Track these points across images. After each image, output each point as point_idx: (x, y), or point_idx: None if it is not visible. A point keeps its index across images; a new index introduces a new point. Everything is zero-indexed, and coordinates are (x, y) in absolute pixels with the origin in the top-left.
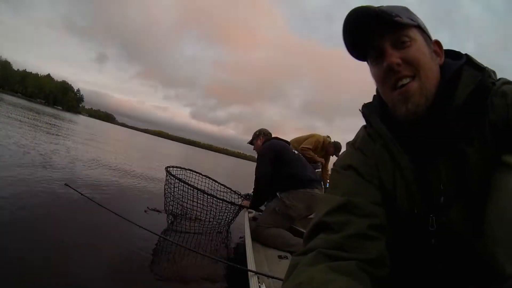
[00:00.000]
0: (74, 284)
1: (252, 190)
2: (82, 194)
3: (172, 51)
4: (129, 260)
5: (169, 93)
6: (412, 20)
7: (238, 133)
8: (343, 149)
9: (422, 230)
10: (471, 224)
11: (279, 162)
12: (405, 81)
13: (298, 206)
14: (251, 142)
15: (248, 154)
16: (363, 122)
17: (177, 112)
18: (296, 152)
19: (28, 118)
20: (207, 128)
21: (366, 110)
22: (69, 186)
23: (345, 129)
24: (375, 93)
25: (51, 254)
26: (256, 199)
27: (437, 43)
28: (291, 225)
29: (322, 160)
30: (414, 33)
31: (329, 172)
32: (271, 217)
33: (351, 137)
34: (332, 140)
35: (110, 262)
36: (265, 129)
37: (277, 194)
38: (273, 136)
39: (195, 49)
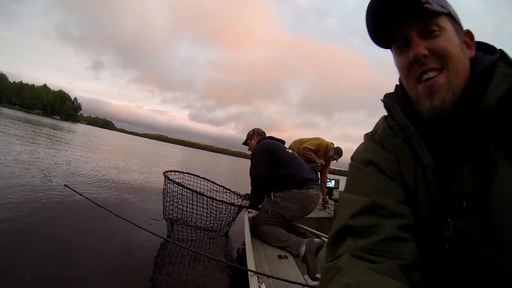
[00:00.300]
0: (75, 284)
1: (250, 190)
2: (81, 195)
3: (167, 55)
4: (130, 262)
5: (166, 97)
6: (442, 7)
7: (238, 133)
8: (347, 151)
9: (438, 234)
10: (489, 235)
11: (272, 161)
12: (431, 74)
13: (291, 207)
14: (245, 143)
15: (248, 153)
16: (361, 116)
17: (176, 115)
18: (290, 150)
19: (27, 131)
20: (206, 129)
21: (388, 100)
22: (68, 187)
23: (344, 123)
24: (397, 83)
25: (51, 256)
26: (254, 199)
27: (469, 33)
28: (291, 223)
29: (323, 161)
30: (444, 22)
31: (328, 177)
32: (266, 217)
33: (350, 130)
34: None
35: (111, 264)
36: (259, 128)
37: (271, 194)
38: (267, 135)
39: (190, 51)
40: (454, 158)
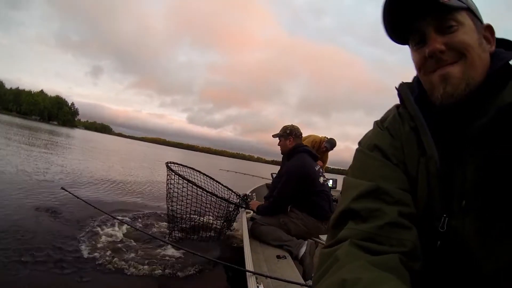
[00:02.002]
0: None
1: (265, 202)
2: (78, 198)
3: (166, 59)
4: (129, 263)
5: (165, 100)
6: (461, 1)
7: (236, 134)
8: (345, 150)
9: (431, 229)
10: (483, 238)
11: (305, 186)
12: (447, 68)
13: (301, 228)
14: (277, 136)
15: (247, 154)
16: (359, 116)
17: (174, 118)
18: (323, 178)
19: (24, 137)
20: (204, 131)
21: (402, 88)
22: (65, 190)
23: (342, 122)
24: (413, 77)
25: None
26: (265, 213)
27: (489, 28)
28: None
29: (320, 163)
30: (463, 17)
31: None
32: (273, 221)
33: (348, 129)
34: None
35: (107, 265)
36: (297, 128)
37: (289, 207)
38: (303, 144)
39: (189, 55)
40: (459, 153)
